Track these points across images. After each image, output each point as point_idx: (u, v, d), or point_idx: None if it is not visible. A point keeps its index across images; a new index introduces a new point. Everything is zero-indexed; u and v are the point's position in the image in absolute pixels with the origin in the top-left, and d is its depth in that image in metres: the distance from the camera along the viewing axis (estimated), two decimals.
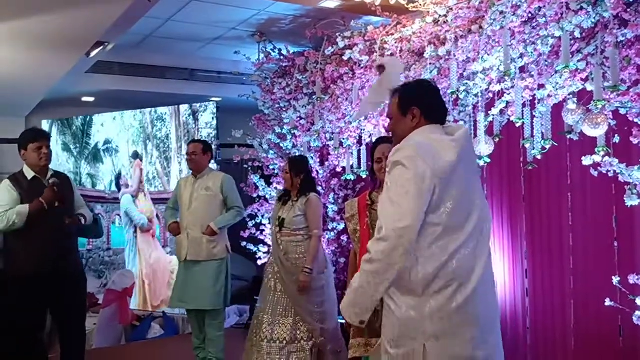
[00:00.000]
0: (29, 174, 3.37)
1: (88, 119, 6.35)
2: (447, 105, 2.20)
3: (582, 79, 2.74)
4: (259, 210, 4.98)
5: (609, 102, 2.61)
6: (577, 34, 2.64)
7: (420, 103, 2.00)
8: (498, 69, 2.99)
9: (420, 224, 1.83)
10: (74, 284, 3.38)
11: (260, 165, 4.99)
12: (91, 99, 6.63)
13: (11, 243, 3.30)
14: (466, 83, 3.21)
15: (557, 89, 2.80)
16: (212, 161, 4.24)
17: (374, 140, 3.97)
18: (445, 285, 1.85)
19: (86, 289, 3.64)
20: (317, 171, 4.72)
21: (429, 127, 1.98)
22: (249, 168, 4.99)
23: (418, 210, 1.82)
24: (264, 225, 4.97)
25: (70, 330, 3.41)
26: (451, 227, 1.87)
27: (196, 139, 4.90)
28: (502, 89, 3.09)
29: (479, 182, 2.05)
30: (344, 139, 4.21)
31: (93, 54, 4.44)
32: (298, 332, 3.53)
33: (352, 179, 4.28)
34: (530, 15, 2.80)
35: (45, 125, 6.51)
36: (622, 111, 2.65)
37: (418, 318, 1.87)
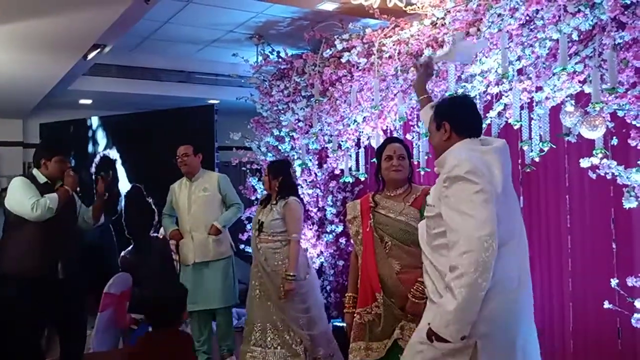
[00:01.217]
0: (41, 179, 3.41)
1: None
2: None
3: (579, 81, 2.74)
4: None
5: (606, 104, 2.61)
6: (574, 37, 2.65)
7: (450, 118, 2.15)
8: (496, 71, 2.99)
9: (497, 232, 1.93)
10: (73, 288, 3.39)
11: (259, 167, 4.99)
12: (89, 102, 6.63)
13: (11, 245, 3.29)
14: (464, 85, 3.21)
15: (554, 91, 2.80)
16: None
17: (372, 142, 3.98)
18: (498, 292, 1.97)
19: (86, 292, 3.64)
20: (315, 173, 4.72)
21: (469, 140, 2.11)
22: (247, 171, 4.99)
23: (493, 219, 1.91)
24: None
25: (70, 334, 3.41)
26: (504, 239, 1.98)
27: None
28: (500, 92, 3.09)
29: (514, 191, 2.17)
30: (342, 141, 4.21)
31: (90, 56, 4.43)
32: (288, 337, 3.51)
33: (351, 181, 4.28)
34: (527, 17, 2.80)
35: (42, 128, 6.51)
36: (620, 113, 2.65)
37: (475, 320, 1.97)
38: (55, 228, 3.28)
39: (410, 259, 2.57)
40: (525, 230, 2.17)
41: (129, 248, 5.68)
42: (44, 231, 3.25)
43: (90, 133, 6.24)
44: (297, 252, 3.55)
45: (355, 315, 2.71)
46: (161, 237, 5.22)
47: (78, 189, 3.47)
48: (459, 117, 2.15)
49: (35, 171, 3.44)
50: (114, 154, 5.95)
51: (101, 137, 6.15)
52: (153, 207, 5.63)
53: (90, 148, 6.19)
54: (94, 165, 6.07)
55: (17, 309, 3.20)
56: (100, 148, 6.10)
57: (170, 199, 4.15)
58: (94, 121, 6.27)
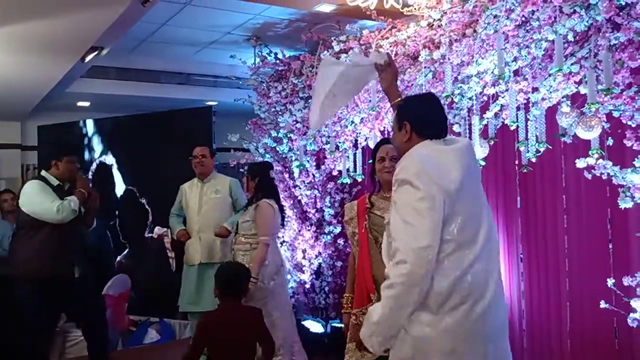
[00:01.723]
0: (53, 181, 3.51)
1: None
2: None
3: (575, 82, 2.75)
4: None
5: (602, 104, 2.62)
6: (570, 38, 2.66)
7: (411, 118, 2.01)
8: (492, 72, 3.00)
9: (439, 242, 1.80)
10: (87, 287, 3.57)
11: None
12: (87, 104, 6.63)
13: (27, 247, 3.36)
14: (461, 86, 3.22)
15: (551, 92, 2.81)
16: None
17: (369, 143, 3.99)
18: (461, 302, 1.83)
19: (95, 290, 3.79)
20: (313, 175, 4.73)
21: (430, 142, 1.96)
22: (245, 172, 4.99)
23: (435, 229, 1.80)
24: None
25: (93, 329, 3.58)
26: (463, 242, 1.86)
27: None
28: (496, 92, 3.10)
29: (483, 194, 2.04)
30: (340, 142, 4.22)
31: (88, 58, 4.43)
32: None
33: (349, 182, 4.28)
34: (523, 18, 2.81)
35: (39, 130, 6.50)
36: (616, 114, 2.66)
37: (433, 335, 1.84)
38: (68, 229, 3.40)
39: None
40: (495, 233, 2.00)
41: (125, 252, 5.69)
42: (59, 233, 3.36)
43: (87, 135, 6.23)
44: (262, 256, 3.46)
45: (351, 316, 2.72)
46: (156, 236, 5.26)
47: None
48: (420, 118, 2.00)
49: (44, 173, 3.51)
50: (109, 159, 5.96)
51: (98, 140, 6.14)
52: (146, 207, 5.64)
53: (86, 151, 6.17)
54: (91, 169, 6.07)
55: (35, 309, 3.28)
56: (97, 150, 6.09)
57: (180, 198, 4.16)
58: (92, 123, 6.27)
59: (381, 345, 1.85)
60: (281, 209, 3.72)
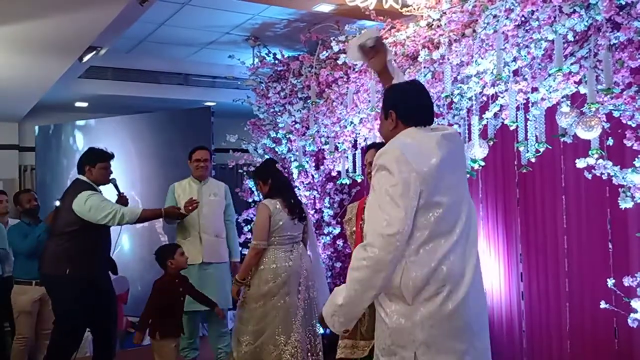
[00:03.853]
0: (96, 187, 3.65)
1: None
2: (436, 108, 2.13)
3: (575, 82, 2.75)
4: (254, 215, 4.96)
5: (602, 104, 2.62)
6: (570, 37, 2.66)
7: (397, 106, 1.99)
8: (492, 72, 3.00)
9: (409, 230, 1.80)
10: (112, 286, 3.77)
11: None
12: (84, 104, 6.61)
13: (77, 247, 3.49)
14: (460, 87, 3.22)
15: (550, 92, 2.81)
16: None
17: (369, 144, 3.98)
18: (436, 292, 1.82)
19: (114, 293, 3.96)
20: (312, 175, 4.72)
21: (414, 129, 1.95)
22: (244, 173, 4.98)
23: (406, 217, 1.78)
24: None
25: (107, 334, 3.74)
26: (439, 232, 1.84)
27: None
28: (496, 93, 3.09)
29: (466, 186, 2.01)
30: (339, 143, 4.21)
31: (86, 58, 4.42)
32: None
33: (348, 183, 4.28)
34: (523, 18, 2.81)
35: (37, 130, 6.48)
36: (616, 114, 2.66)
37: (408, 326, 1.83)
38: (107, 231, 3.64)
39: None
40: (476, 221, 1.97)
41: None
42: (99, 234, 3.57)
43: (85, 136, 6.21)
44: (248, 261, 3.38)
45: None
46: (147, 224, 5.29)
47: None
48: (405, 105, 1.98)
49: (84, 178, 3.62)
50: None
51: (96, 141, 6.12)
52: (136, 198, 5.64)
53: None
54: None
55: (74, 309, 3.47)
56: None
57: (171, 197, 4.13)
58: (89, 124, 6.25)
59: (342, 325, 1.86)
60: (296, 204, 3.48)
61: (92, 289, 3.52)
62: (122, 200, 3.84)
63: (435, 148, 1.88)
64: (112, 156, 3.74)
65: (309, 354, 3.42)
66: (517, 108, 2.99)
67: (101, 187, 3.70)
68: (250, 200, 5.00)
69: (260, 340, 3.35)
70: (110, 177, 3.74)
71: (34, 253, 3.98)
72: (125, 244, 5.76)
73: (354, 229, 2.80)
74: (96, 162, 3.62)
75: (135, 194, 5.61)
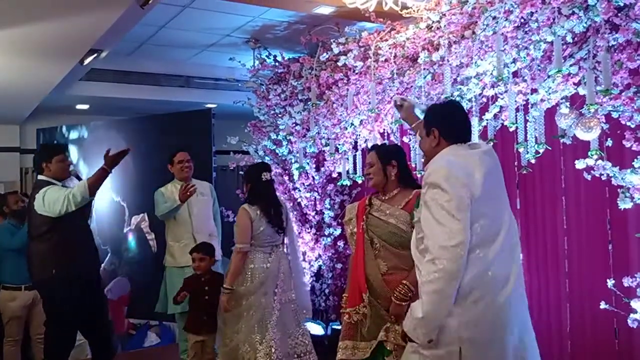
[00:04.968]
0: (57, 183, 3.54)
1: None
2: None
3: (574, 83, 2.76)
4: None
5: (601, 105, 2.63)
6: (569, 39, 2.66)
7: (439, 124, 2.17)
8: (491, 73, 3.01)
9: (469, 239, 1.94)
10: (100, 283, 3.80)
11: None
12: (85, 107, 6.62)
13: (57, 247, 3.44)
14: (460, 88, 3.22)
15: (549, 93, 2.82)
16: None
17: (369, 145, 3.99)
18: (482, 295, 1.96)
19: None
20: (312, 177, 4.73)
21: (455, 146, 2.13)
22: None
23: (465, 228, 1.94)
24: None
25: (105, 328, 3.71)
26: (485, 240, 1.99)
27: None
28: (495, 94, 3.10)
29: (505, 195, 2.16)
30: (339, 144, 4.22)
31: (87, 61, 4.44)
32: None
33: (348, 184, 4.28)
34: (522, 20, 2.82)
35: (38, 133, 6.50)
36: (615, 115, 2.67)
37: (455, 325, 1.97)
38: (85, 227, 3.61)
39: (398, 261, 2.59)
40: (516, 230, 2.14)
41: (107, 258, 5.70)
42: (85, 232, 3.55)
43: (86, 138, 6.23)
44: (236, 264, 3.36)
45: (345, 315, 2.74)
46: (133, 227, 5.42)
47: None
48: (447, 123, 2.17)
49: (43, 177, 3.53)
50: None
51: (98, 142, 6.14)
52: (122, 203, 5.67)
53: (85, 154, 6.18)
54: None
55: (70, 308, 3.44)
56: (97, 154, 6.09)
57: (164, 200, 4.13)
58: (91, 126, 6.27)
59: (426, 336, 1.98)
60: (276, 212, 3.48)
61: (81, 286, 3.47)
62: None
63: (478, 164, 2.05)
64: (66, 147, 3.70)
65: (295, 357, 3.43)
66: (517, 109, 3.00)
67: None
68: None
69: (237, 340, 3.38)
70: (71, 169, 3.66)
71: (23, 249, 3.79)
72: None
73: (355, 229, 2.80)
74: (52, 156, 3.51)
75: (137, 195, 5.63)
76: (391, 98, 3.04)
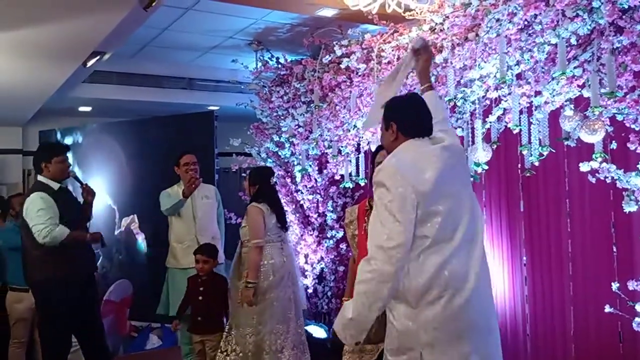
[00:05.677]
0: (54, 185, 3.53)
1: None
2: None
3: (578, 86, 2.75)
4: None
5: (605, 108, 2.62)
6: (573, 41, 2.66)
7: (397, 118, 2.09)
8: (495, 76, 3.00)
9: (410, 241, 1.88)
10: (95, 287, 3.76)
11: None
12: (88, 109, 6.63)
13: (53, 248, 3.41)
14: (463, 90, 3.22)
15: (553, 96, 2.81)
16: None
17: (372, 147, 3.98)
18: (439, 296, 1.90)
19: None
20: (315, 179, 4.72)
21: (414, 141, 2.05)
22: (246, 175, 4.98)
23: (405, 230, 1.87)
24: None
25: (98, 338, 3.70)
26: (440, 239, 1.92)
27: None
28: (499, 96, 3.09)
29: (468, 191, 2.08)
30: (342, 146, 4.21)
31: (90, 63, 4.44)
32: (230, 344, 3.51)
33: (351, 186, 4.28)
34: (526, 22, 2.81)
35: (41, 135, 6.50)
36: (619, 117, 2.66)
37: (414, 328, 1.92)
38: (87, 231, 3.64)
39: None
40: (479, 227, 2.02)
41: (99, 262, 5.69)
42: (76, 229, 3.49)
43: (88, 140, 6.23)
44: (255, 259, 3.44)
45: None
46: (123, 228, 5.45)
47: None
48: (405, 118, 2.08)
49: (42, 179, 3.52)
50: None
51: (99, 144, 6.15)
52: (112, 206, 5.66)
53: (86, 156, 6.17)
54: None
55: (66, 310, 3.43)
56: (98, 156, 6.09)
57: (167, 200, 4.13)
58: (93, 128, 6.28)
59: (353, 338, 1.93)
60: (281, 213, 3.65)
61: (77, 288, 3.47)
62: (86, 190, 3.72)
63: (432, 161, 1.97)
64: (67, 148, 3.66)
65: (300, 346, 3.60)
66: (521, 112, 2.99)
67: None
68: None
69: (264, 331, 3.46)
70: (70, 170, 3.64)
71: None
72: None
73: (356, 232, 2.80)
74: (51, 157, 3.50)
75: (128, 197, 5.62)
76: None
